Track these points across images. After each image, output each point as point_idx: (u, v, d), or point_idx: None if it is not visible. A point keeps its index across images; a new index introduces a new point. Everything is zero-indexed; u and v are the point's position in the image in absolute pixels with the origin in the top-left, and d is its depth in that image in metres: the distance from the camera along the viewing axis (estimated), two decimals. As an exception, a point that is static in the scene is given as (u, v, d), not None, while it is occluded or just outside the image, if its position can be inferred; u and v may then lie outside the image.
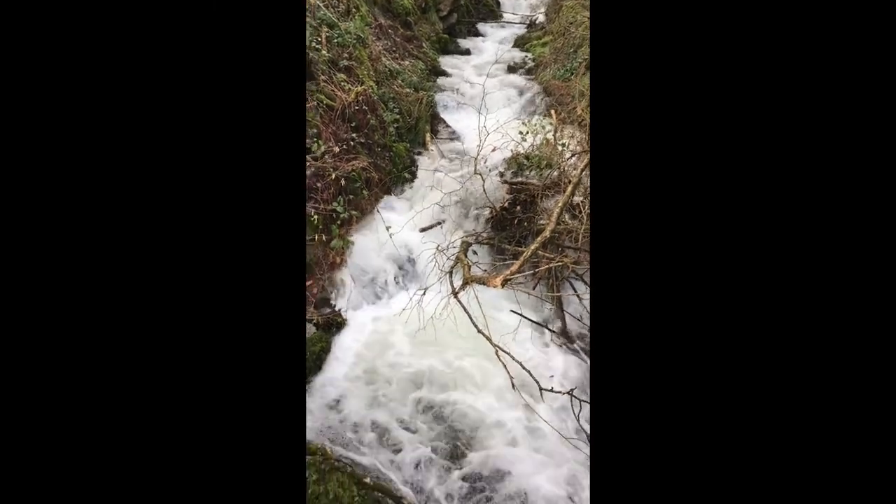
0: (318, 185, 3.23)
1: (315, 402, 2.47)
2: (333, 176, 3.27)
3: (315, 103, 3.55)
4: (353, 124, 3.69)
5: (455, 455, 2.28)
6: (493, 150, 3.32)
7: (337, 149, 3.43)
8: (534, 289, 3.04)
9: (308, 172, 3.20)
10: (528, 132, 3.65)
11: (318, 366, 2.64)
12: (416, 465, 2.23)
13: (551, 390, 2.38)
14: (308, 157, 3.26)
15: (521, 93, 5.02)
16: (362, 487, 1.97)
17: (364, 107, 3.79)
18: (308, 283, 3.13)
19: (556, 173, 3.21)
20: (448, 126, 4.66)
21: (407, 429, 2.38)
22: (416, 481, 2.17)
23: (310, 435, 2.27)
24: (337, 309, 3.01)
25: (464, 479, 2.17)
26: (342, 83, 3.82)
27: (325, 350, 2.72)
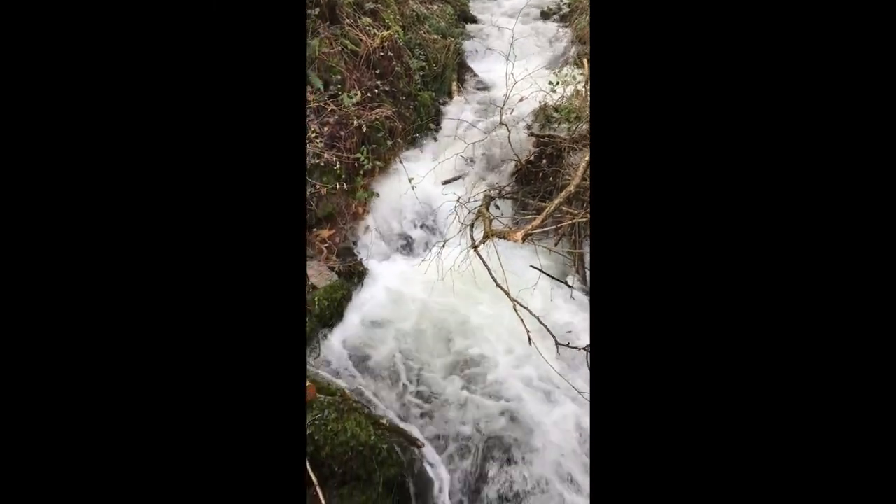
0: (342, 133, 3.20)
1: (334, 348, 2.55)
2: (356, 124, 3.23)
3: (340, 48, 3.47)
4: (377, 71, 3.60)
5: (469, 404, 2.34)
6: (521, 99, 3.21)
7: (360, 96, 3.37)
8: (556, 245, 3.00)
9: (331, 120, 3.17)
10: (558, 83, 3.50)
11: (339, 313, 2.71)
12: (431, 413, 2.30)
13: (568, 345, 2.39)
14: (332, 104, 3.22)
15: (553, 41, 4.79)
16: (378, 428, 2.05)
17: (389, 53, 3.68)
18: (330, 233, 3.16)
19: (585, 126, 3.10)
20: (476, 75, 4.51)
21: (421, 377, 2.45)
22: (431, 425, 2.25)
23: (329, 378, 2.36)
24: (358, 258, 3.05)
25: (477, 427, 2.24)
26: (367, 27, 3.71)
27: (346, 298, 2.77)
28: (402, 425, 2.21)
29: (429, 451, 2.14)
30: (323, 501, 1.84)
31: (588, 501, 2.00)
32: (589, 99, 3.29)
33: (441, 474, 2.09)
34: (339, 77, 3.36)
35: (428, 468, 2.09)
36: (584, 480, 2.08)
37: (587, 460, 2.13)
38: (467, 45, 4.81)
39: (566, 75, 3.63)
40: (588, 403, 2.32)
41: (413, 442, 2.14)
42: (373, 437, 2.00)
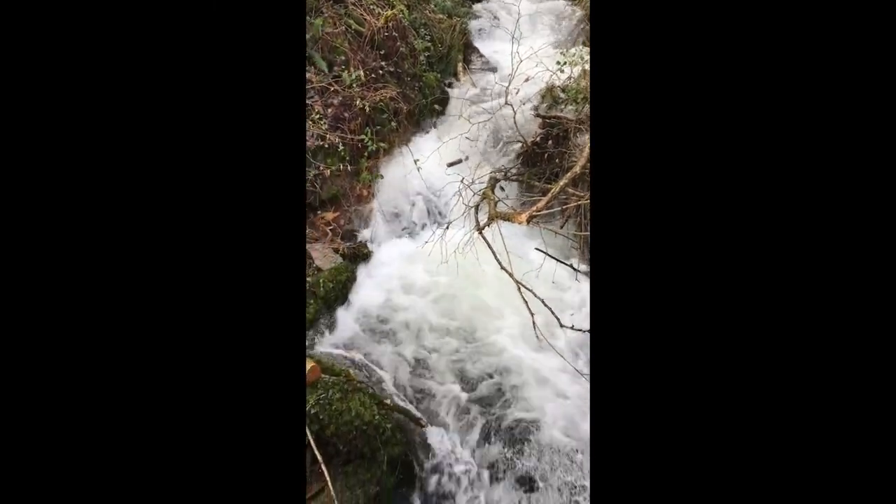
0: (346, 114, 3.17)
1: (338, 330, 2.56)
2: (360, 105, 3.20)
3: (343, 28, 3.42)
4: (382, 52, 3.55)
5: (471, 385, 2.35)
6: (527, 80, 3.16)
7: (364, 77, 3.33)
8: (561, 227, 2.98)
9: (335, 101, 3.14)
10: (565, 63, 3.43)
11: (344, 295, 2.72)
12: (432, 394, 2.32)
13: (572, 327, 2.38)
14: (335, 84, 3.19)
15: (561, 20, 4.69)
16: (382, 408, 2.07)
17: (394, 33, 3.62)
18: (335, 215, 3.16)
19: (592, 107, 3.05)
20: (482, 56, 4.44)
21: (424, 359, 2.46)
22: (432, 408, 2.27)
23: (333, 359, 2.38)
24: (363, 241, 3.05)
25: (479, 408, 2.26)
26: (371, 6, 3.65)
27: (351, 280, 2.78)
28: (406, 405, 2.23)
29: (433, 430, 2.15)
30: (328, 479, 1.87)
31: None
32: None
33: (446, 452, 2.11)
34: (342, 58, 3.32)
35: (432, 447, 2.11)
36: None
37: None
38: (473, 25, 4.73)
39: (574, 55, 3.56)
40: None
41: (417, 421, 2.16)
42: (377, 417, 2.02)
